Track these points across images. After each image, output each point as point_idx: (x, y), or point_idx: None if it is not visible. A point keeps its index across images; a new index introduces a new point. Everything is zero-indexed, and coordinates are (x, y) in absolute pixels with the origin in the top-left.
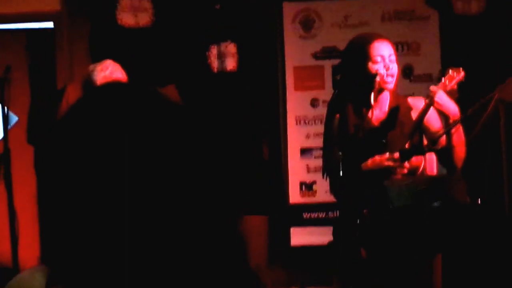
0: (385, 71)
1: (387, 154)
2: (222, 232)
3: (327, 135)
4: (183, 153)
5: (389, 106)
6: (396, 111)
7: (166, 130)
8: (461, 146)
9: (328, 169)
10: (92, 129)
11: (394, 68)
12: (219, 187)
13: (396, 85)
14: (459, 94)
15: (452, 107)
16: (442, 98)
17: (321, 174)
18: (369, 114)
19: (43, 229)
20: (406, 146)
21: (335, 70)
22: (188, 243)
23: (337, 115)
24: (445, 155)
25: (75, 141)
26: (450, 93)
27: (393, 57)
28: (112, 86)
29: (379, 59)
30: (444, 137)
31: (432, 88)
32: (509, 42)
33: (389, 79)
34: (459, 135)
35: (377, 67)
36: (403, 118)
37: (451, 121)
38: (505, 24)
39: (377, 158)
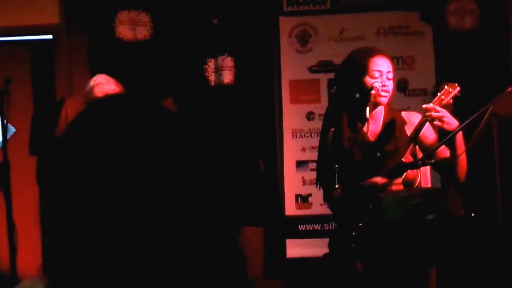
0: (380, 86)
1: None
2: (221, 244)
3: (322, 148)
4: (184, 163)
5: (383, 120)
6: (391, 126)
7: (167, 141)
8: (463, 158)
9: (321, 181)
10: (95, 141)
11: (390, 86)
12: (218, 197)
13: (390, 100)
14: (453, 108)
15: (453, 122)
16: (444, 112)
17: (316, 187)
18: (364, 128)
19: (44, 238)
20: (401, 160)
21: (333, 82)
22: (187, 254)
23: (332, 129)
24: (444, 168)
25: (78, 153)
26: (445, 108)
27: (391, 75)
28: (112, 98)
29: (376, 74)
30: (439, 150)
31: (426, 106)
32: (502, 57)
33: (384, 94)
34: (461, 148)
35: (373, 81)
36: (398, 132)
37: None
38: (498, 39)
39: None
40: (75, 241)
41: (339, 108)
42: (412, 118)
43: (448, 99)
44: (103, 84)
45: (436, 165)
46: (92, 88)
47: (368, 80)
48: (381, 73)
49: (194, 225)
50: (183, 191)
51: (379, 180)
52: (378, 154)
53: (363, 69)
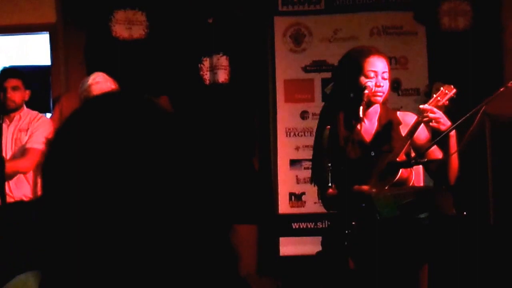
0: (374, 86)
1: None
2: (214, 242)
3: (317, 145)
4: (176, 161)
5: (378, 119)
6: (386, 125)
7: (160, 138)
8: (454, 160)
9: (316, 179)
10: (88, 138)
11: (385, 86)
12: (210, 196)
13: (387, 99)
14: (446, 109)
15: (448, 123)
16: (440, 114)
17: (310, 185)
18: (359, 127)
19: (38, 233)
20: (395, 159)
21: (329, 80)
22: (180, 252)
23: (328, 127)
24: (435, 168)
25: (72, 150)
26: (439, 108)
27: (386, 74)
28: (107, 96)
29: (372, 74)
30: (432, 151)
31: (423, 107)
32: (494, 57)
33: (379, 93)
34: (453, 148)
35: (368, 81)
36: (393, 132)
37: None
38: (490, 39)
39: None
40: (68, 237)
41: (335, 107)
42: (406, 118)
43: (443, 101)
44: (101, 83)
45: (428, 165)
46: (90, 86)
47: (363, 80)
48: (376, 73)
49: (187, 223)
50: (175, 189)
51: (368, 189)
52: (373, 153)
53: (359, 69)
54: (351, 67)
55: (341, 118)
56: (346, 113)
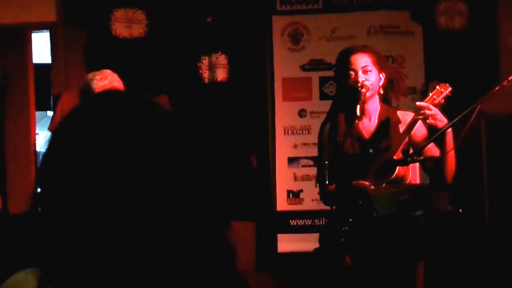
0: (370, 84)
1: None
2: (212, 239)
3: (319, 143)
4: (173, 158)
5: (378, 117)
6: (385, 123)
7: (158, 136)
8: (451, 159)
9: (318, 178)
10: (88, 135)
11: (369, 79)
12: (207, 193)
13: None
14: (442, 107)
15: (444, 120)
16: (436, 111)
17: (307, 183)
18: (358, 123)
19: (36, 230)
20: (392, 157)
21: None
22: (177, 249)
23: (328, 124)
24: (432, 166)
25: (71, 147)
26: (436, 107)
27: (370, 67)
28: (110, 93)
29: (352, 73)
30: (429, 149)
31: (420, 104)
32: (490, 56)
33: (363, 90)
34: (449, 145)
35: (353, 80)
36: (391, 130)
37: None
38: (486, 39)
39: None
40: (67, 234)
41: (337, 105)
42: (406, 117)
43: (439, 99)
44: (110, 80)
45: (425, 163)
46: (97, 82)
47: (351, 82)
48: (356, 70)
49: (185, 220)
50: (174, 187)
51: (366, 184)
52: (371, 150)
53: (344, 71)
54: (339, 70)
55: (342, 115)
56: (346, 111)
